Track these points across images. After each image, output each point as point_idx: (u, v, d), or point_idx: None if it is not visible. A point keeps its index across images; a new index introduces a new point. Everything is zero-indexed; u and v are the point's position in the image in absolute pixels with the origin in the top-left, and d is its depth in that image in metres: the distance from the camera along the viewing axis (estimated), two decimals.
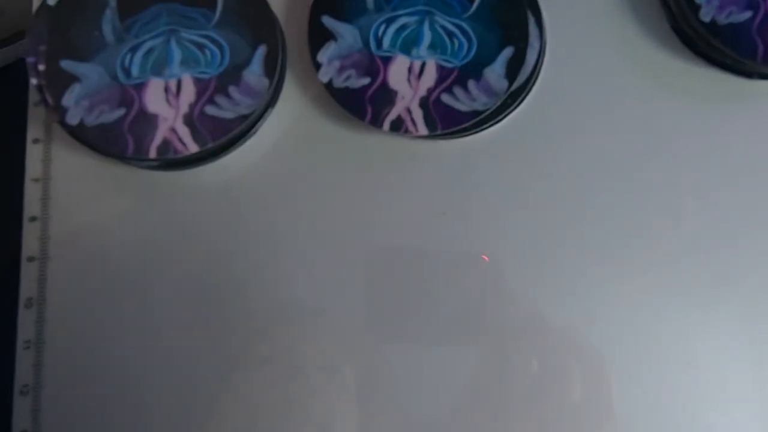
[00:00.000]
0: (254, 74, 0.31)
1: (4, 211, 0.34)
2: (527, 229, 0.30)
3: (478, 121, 0.30)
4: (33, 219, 0.32)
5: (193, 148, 0.30)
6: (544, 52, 0.31)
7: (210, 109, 0.31)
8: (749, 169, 0.30)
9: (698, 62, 0.31)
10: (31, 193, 0.32)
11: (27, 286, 0.32)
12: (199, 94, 0.31)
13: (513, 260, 0.30)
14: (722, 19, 0.30)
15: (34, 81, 0.31)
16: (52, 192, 0.32)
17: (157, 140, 0.30)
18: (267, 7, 0.31)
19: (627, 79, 0.31)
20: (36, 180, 0.33)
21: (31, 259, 0.32)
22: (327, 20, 0.31)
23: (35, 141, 0.33)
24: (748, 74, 0.31)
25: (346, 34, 0.31)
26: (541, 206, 0.30)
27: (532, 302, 0.30)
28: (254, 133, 0.32)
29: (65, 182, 0.32)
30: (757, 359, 0.30)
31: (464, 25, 0.30)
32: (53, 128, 0.33)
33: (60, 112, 0.31)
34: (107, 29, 0.31)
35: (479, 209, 0.30)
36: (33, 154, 0.33)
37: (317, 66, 0.30)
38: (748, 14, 0.29)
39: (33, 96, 0.33)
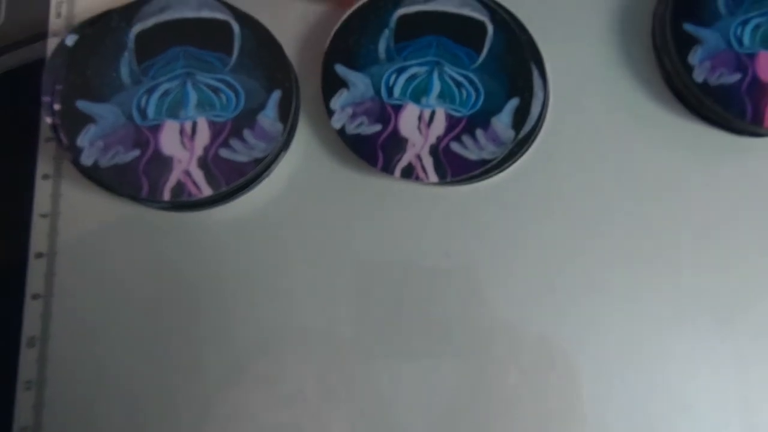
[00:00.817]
0: (268, 118, 0.32)
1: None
2: (528, 270, 0.32)
3: (486, 168, 0.31)
4: (39, 255, 0.32)
5: (207, 191, 0.31)
6: (547, 102, 0.32)
7: (224, 152, 0.31)
8: (739, 221, 0.32)
9: (691, 117, 0.33)
10: (39, 229, 0.32)
11: (29, 325, 0.32)
12: (214, 137, 0.31)
13: (514, 299, 0.31)
14: (714, 80, 0.31)
15: (48, 120, 0.31)
16: (60, 228, 0.32)
17: (172, 182, 0.31)
18: (282, 52, 0.32)
19: (623, 129, 0.33)
20: (44, 216, 0.33)
21: (35, 296, 0.32)
22: (340, 68, 0.32)
23: (45, 177, 0.33)
24: (738, 131, 0.33)
25: (359, 82, 0.32)
26: (541, 248, 0.32)
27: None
28: (267, 175, 0.32)
29: (74, 219, 0.32)
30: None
31: (472, 75, 0.32)
32: (63, 165, 0.33)
33: (74, 152, 0.31)
34: (124, 71, 0.32)
35: (484, 252, 0.31)
36: (42, 190, 0.33)
37: (330, 112, 0.31)
38: (737, 76, 0.31)
39: (44, 132, 0.33)
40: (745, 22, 0.32)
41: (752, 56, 0.32)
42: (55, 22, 0.34)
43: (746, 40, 0.32)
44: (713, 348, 0.31)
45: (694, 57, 0.32)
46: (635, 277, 0.31)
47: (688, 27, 0.32)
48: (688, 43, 0.32)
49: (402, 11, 0.32)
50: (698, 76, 0.32)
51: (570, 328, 0.31)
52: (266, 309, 0.31)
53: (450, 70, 0.32)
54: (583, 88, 0.33)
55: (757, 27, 0.32)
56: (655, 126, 0.33)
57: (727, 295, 0.31)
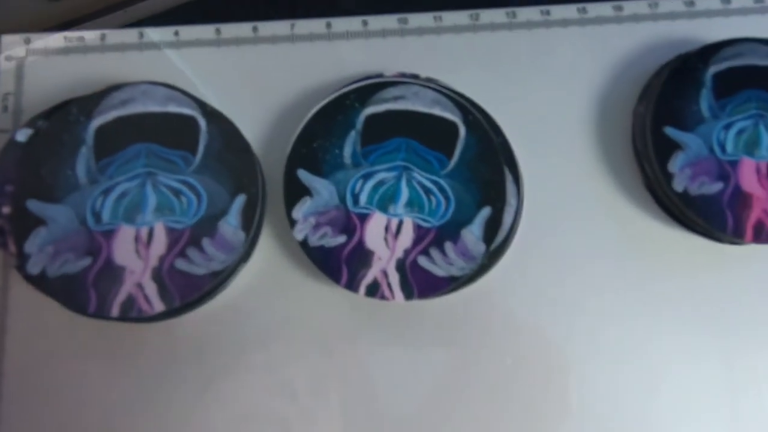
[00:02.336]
0: (231, 226, 0.30)
1: None
2: (501, 385, 0.30)
3: (455, 285, 0.30)
4: None
5: (159, 307, 0.29)
6: (521, 210, 0.31)
7: (180, 264, 0.29)
8: (722, 324, 0.31)
9: (672, 224, 0.31)
10: None
11: None
12: (171, 245, 0.29)
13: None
14: (694, 190, 0.30)
15: None
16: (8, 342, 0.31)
17: (122, 296, 0.29)
18: (250, 154, 0.31)
19: (602, 237, 0.31)
20: None
21: None
22: (303, 174, 0.30)
23: None
24: (719, 239, 0.31)
25: (323, 189, 0.30)
26: (517, 363, 0.30)
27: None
28: (224, 288, 0.31)
29: (22, 330, 0.31)
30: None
31: (442, 182, 0.30)
32: (11, 274, 0.31)
33: (21, 258, 0.29)
34: (81, 169, 0.30)
35: (452, 367, 0.30)
36: None
37: (292, 222, 0.30)
38: (719, 186, 0.30)
39: None
40: (728, 126, 0.31)
41: (735, 163, 0.30)
42: (1, 117, 0.32)
43: (729, 145, 0.30)
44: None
45: (675, 164, 0.30)
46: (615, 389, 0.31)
47: (669, 131, 0.31)
48: (668, 148, 0.31)
49: (370, 110, 0.31)
50: (678, 184, 0.30)
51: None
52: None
53: (419, 176, 0.30)
54: (560, 195, 0.32)
55: (740, 132, 0.31)
56: (635, 234, 0.32)
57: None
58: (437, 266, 0.29)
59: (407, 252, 0.30)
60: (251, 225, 0.30)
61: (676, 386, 0.30)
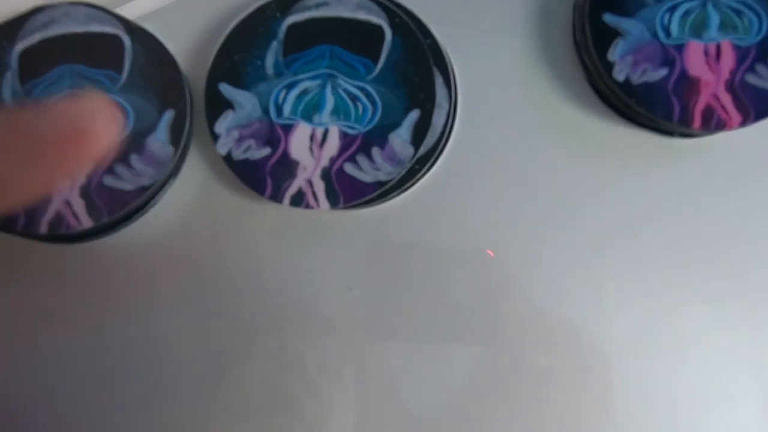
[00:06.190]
0: (159, 141, 0.30)
1: None
2: (438, 308, 0.29)
3: (385, 190, 0.29)
4: None
5: (87, 222, 0.29)
6: (454, 113, 0.30)
7: (108, 180, 0.29)
8: (670, 226, 0.29)
9: (617, 120, 0.29)
10: None
11: None
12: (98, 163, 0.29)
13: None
14: (636, 78, 0.28)
15: None
16: None
17: (50, 214, 0.29)
18: (177, 69, 0.30)
19: (544, 137, 0.30)
20: None
21: None
22: (224, 88, 0.29)
23: None
24: (669, 132, 0.29)
25: (245, 102, 0.29)
26: (454, 278, 0.29)
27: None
28: (153, 205, 0.30)
29: None
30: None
31: (368, 87, 0.29)
32: None
33: None
34: (6, 93, 0.30)
35: (387, 284, 0.29)
36: None
37: (215, 137, 0.29)
38: (663, 72, 0.28)
39: None
40: (673, 9, 0.28)
41: (680, 47, 0.28)
42: None
43: (674, 29, 0.28)
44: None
45: (615, 52, 0.28)
46: (558, 292, 0.29)
47: (609, 18, 0.29)
48: (608, 36, 0.28)
49: (292, 19, 0.30)
50: (619, 73, 0.28)
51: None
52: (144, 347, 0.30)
53: (344, 83, 0.29)
54: (498, 94, 0.30)
55: (686, 13, 0.28)
56: (578, 132, 0.30)
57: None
58: (364, 172, 0.28)
59: (333, 160, 0.29)
60: (180, 140, 0.29)
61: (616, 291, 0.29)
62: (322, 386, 0.29)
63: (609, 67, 0.28)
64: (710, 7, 0.28)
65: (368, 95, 0.29)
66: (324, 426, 0.29)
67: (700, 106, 0.28)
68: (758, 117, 0.27)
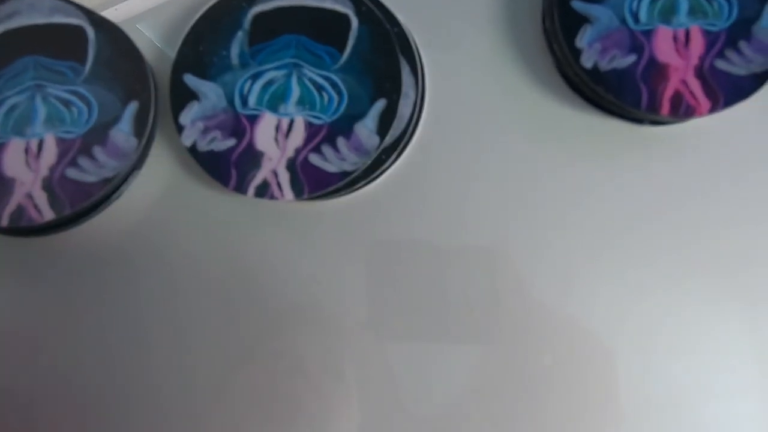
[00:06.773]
0: (123, 133, 0.29)
1: None
2: (406, 298, 0.29)
3: (351, 180, 0.28)
4: None
5: (49, 215, 0.28)
6: (422, 102, 0.29)
7: (71, 173, 0.29)
8: (641, 214, 0.29)
9: (587, 107, 0.29)
10: None
11: None
12: (62, 155, 0.29)
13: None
14: (604, 65, 0.28)
15: None
16: None
17: (11, 207, 0.29)
18: (141, 60, 0.30)
19: (513, 126, 0.29)
20: None
21: None
22: (189, 79, 0.29)
23: None
24: (639, 120, 0.29)
25: (210, 93, 0.29)
26: (421, 271, 0.29)
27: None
28: (119, 196, 0.30)
29: None
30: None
31: (334, 77, 0.29)
32: None
33: None
34: None
35: (352, 276, 0.29)
36: None
37: (180, 128, 0.29)
38: (631, 58, 0.27)
39: None
40: None
41: (649, 33, 0.28)
42: None
43: (643, 14, 0.28)
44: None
45: (583, 38, 0.28)
46: (525, 278, 0.29)
47: (577, 4, 0.28)
48: (576, 22, 0.28)
49: (258, 9, 0.29)
50: (587, 60, 0.28)
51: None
52: (122, 344, 0.29)
53: (310, 73, 0.29)
54: (466, 82, 0.29)
55: None
56: (548, 121, 0.29)
57: None
58: (329, 162, 0.28)
59: (298, 150, 0.28)
60: (144, 131, 0.29)
61: (591, 273, 0.28)
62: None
63: (577, 54, 0.28)
64: None
65: (334, 85, 0.29)
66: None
67: (668, 93, 0.27)
68: (727, 103, 0.27)
